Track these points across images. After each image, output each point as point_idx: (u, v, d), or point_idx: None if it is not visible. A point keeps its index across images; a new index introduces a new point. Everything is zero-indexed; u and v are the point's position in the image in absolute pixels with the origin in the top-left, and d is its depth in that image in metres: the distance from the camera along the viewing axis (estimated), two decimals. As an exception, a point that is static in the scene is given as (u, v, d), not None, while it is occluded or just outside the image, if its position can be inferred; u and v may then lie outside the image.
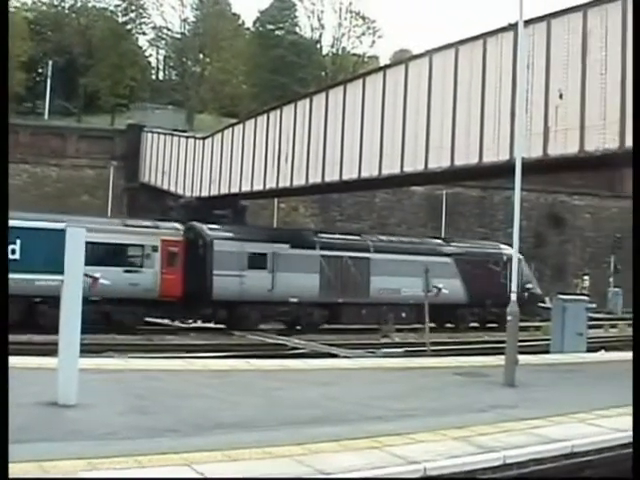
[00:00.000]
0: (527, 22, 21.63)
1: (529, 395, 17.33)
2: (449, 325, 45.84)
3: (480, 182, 60.04)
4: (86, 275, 28.07)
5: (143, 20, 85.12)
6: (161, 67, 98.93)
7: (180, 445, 10.33)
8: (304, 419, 12.99)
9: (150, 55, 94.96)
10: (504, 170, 22.85)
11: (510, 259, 43.08)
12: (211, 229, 41.04)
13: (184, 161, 49.55)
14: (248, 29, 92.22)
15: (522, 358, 20.02)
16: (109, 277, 34.40)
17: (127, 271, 37.78)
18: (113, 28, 77.20)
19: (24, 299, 30.74)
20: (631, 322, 50.35)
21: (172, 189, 51.36)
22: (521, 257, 45.09)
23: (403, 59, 34.25)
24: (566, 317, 28.01)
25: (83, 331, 12.99)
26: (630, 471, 12.92)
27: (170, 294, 38.53)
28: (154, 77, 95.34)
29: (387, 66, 33.92)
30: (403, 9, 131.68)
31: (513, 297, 19.23)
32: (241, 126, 43.10)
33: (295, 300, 41.10)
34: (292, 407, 14.20)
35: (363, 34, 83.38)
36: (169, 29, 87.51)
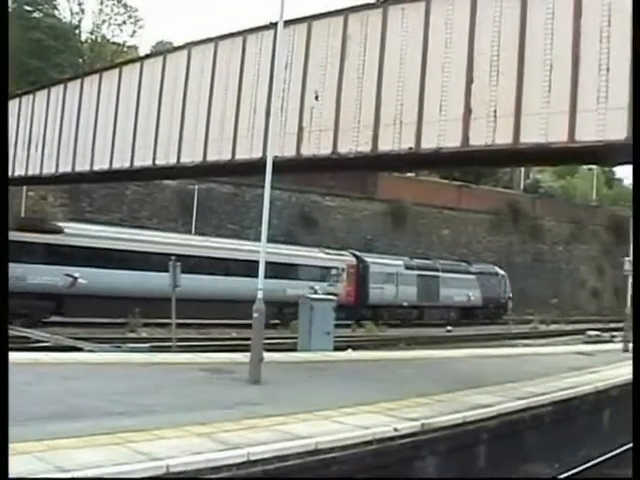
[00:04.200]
0: (288, 22, 21.76)
1: (274, 392, 17.49)
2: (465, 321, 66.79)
3: (233, 179, 60.35)
4: (310, 288, 49.24)
5: None
6: None
7: None
8: (45, 415, 12.61)
9: None
10: (257, 168, 22.83)
11: (503, 276, 73.56)
12: (366, 257, 61.78)
13: None
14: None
15: (268, 356, 20.15)
16: (322, 289, 51.89)
17: (330, 285, 56.00)
18: None
19: None
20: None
21: None
22: (504, 274, 74.26)
23: (161, 50, 33.91)
24: (313, 316, 28.38)
25: None
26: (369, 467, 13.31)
27: (350, 301, 57.16)
28: None
29: (145, 57, 33.44)
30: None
31: (259, 294, 19.22)
32: (-10, 109, 41.48)
33: (406, 304, 62.29)
34: (32, 402, 13.74)
35: (124, 22, 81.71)
36: None
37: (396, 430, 13.99)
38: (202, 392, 16.84)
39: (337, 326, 31.36)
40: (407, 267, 63.76)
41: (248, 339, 20.59)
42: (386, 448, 13.61)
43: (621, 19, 16.19)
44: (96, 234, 45.14)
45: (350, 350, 31.11)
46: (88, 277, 43.23)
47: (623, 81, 16.04)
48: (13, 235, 40.06)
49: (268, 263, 47.57)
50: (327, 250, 59.72)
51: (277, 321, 47.46)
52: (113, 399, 14.77)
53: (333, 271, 57.95)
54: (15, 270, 35.34)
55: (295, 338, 30.25)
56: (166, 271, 30.81)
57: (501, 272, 74.30)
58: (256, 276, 19.73)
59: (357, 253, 61.59)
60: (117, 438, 11.35)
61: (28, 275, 40.86)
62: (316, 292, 47.74)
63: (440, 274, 66.61)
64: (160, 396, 15.72)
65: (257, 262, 20.08)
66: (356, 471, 12.88)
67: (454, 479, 15.35)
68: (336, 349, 29.11)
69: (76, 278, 42.89)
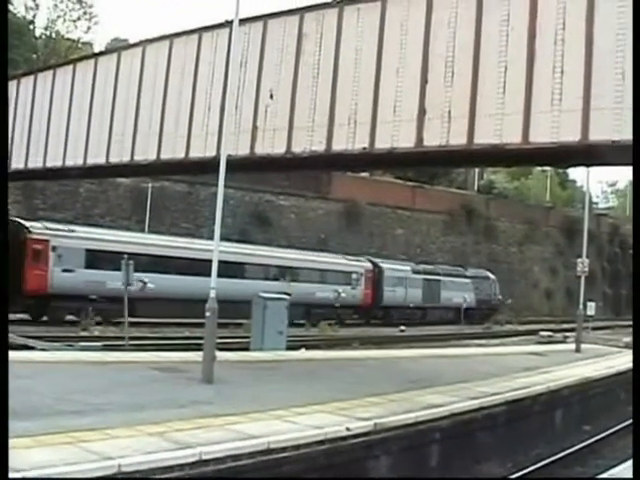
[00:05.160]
0: (244, 20, 21.68)
1: (227, 392, 17.43)
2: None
3: (187, 177, 60.03)
4: (335, 291, 59.68)
5: None
6: None
7: None
8: (-6, 413, 12.49)
9: None
10: (211, 166, 22.70)
11: (493, 280, 79.66)
12: (382, 262, 66.86)
13: None
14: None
15: (221, 355, 20.06)
16: (345, 291, 60.62)
17: (352, 288, 61.88)
18: None
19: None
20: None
21: None
22: (494, 278, 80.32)
23: (116, 47, 33.71)
24: (266, 315, 28.27)
25: None
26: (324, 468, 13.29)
27: (367, 302, 63.78)
28: None
29: (99, 53, 33.21)
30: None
31: (212, 294, 19.08)
32: (-58, 105, 40.98)
33: (412, 305, 67.88)
34: (-18, 400, 13.62)
35: (79, 18, 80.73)
36: None
37: (348, 430, 14.00)
38: (155, 391, 16.74)
39: (291, 325, 31.39)
40: (414, 271, 69.79)
41: (201, 338, 20.49)
42: (338, 448, 13.62)
43: (576, 22, 16.34)
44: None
45: (304, 349, 31.09)
46: None
47: (577, 83, 16.19)
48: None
49: (300, 269, 56.58)
50: (348, 256, 64.68)
51: (303, 321, 51.13)
52: (65, 398, 14.64)
53: (354, 275, 62.77)
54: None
55: (248, 337, 30.13)
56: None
57: (492, 276, 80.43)
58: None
59: (373, 259, 66.85)
60: (69, 437, 11.27)
61: None
62: (339, 295, 59.51)
63: (441, 278, 72.75)
64: (112, 395, 15.60)
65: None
66: (308, 471, 12.87)
67: (406, 479, 15.38)
68: (290, 348, 29.04)
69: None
